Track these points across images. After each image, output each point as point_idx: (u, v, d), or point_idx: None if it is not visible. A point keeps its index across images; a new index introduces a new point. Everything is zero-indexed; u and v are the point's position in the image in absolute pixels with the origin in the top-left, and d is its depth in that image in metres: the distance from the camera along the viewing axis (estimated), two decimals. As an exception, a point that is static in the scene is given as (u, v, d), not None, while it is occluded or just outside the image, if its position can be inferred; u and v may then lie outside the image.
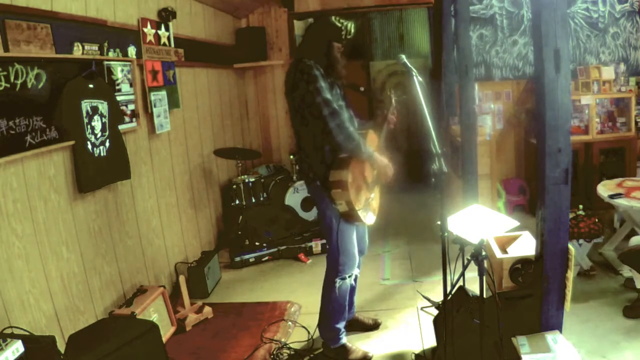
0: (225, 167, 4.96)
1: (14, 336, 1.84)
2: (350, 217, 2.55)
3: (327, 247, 2.72)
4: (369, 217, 2.66)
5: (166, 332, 3.03)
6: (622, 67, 5.01)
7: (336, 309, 2.73)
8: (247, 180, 4.45)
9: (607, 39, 5.10)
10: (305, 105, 2.47)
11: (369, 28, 7.34)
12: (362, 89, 2.84)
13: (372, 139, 2.76)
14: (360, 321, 3.07)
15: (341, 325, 2.77)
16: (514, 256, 2.38)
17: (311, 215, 4.74)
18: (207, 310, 3.35)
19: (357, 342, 2.92)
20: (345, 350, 2.77)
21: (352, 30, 2.64)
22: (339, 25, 2.59)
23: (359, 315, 3.10)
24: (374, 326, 3.07)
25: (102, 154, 2.79)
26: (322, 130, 2.45)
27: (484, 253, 1.96)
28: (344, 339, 2.79)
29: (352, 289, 2.93)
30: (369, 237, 2.99)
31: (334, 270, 2.68)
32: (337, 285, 2.68)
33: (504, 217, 2.12)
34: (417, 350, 2.79)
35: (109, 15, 2.98)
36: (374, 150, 2.62)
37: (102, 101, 2.79)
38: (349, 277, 2.71)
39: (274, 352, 2.86)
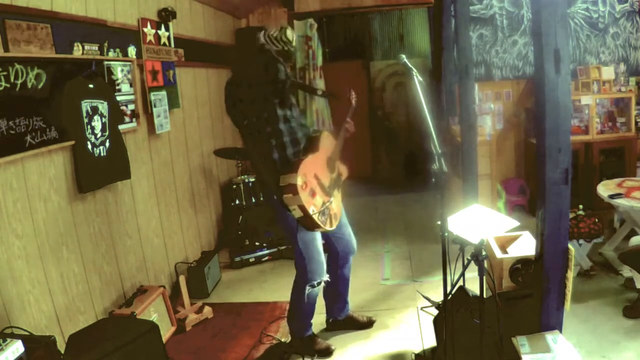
0: (225, 167, 4.96)
1: (14, 336, 1.85)
2: (306, 223, 2.48)
3: (294, 255, 2.68)
4: (328, 222, 2.56)
5: (166, 332, 3.03)
6: (622, 67, 5.01)
7: (305, 313, 2.78)
8: (247, 180, 4.46)
9: (607, 39, 5.10)
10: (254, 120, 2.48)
11: (369, 28, 7.35)
12: (319, 92, 2.82)
13: (328, 139, 2.70)
14: (355, 319, 3.11)
15: (308, 321, 2.85)
16: (514, 256, 2.38)
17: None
18: (207, 310, 3.35)
19: (357, 342, 2.94)
20: (311, 341, 2.84)
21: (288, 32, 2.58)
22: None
23: (353, 313, 3.14)
24: (368, 324, 3.10)
25: (102, 154, 2.79)
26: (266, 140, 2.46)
27: (484, 253, 1.96)
28: (310, 331, 2.87)
29: (345, 287, 2.99)
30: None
31: (303, 277, 2.67)
32: (307, 292, 2.69)
33: (504, 217, 2.12)
34: (417, 350, 2.79)
35: (109, 15, 2.98)
36: (325, 154, 2.60)
37: (102, 101, 2.79)
38: (318, 283, 2.70)
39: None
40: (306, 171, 2.46)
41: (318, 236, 2.67)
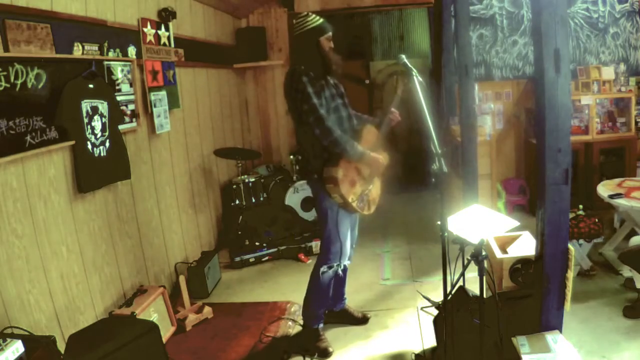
0: (225, 167, 4.96)
1: (14, 336, 1.85)
2: (346, 208, 2.71)
3: (321, 236, 2.82)
4: (366, 207, 2.79)
5: (166, 332, 3.03)
6: (622, 67, 5.01)
7: (318, 294, 2.86)
8: (247, 180, 4.46)
9: (607, 39, 5.10)
10: (296, 109, 2.63)
11: (369, 28, 7.35)
12: (367, 81, 2.96)
13: (370, 133, 2.84)
14: (350, 313, 3.16)
15: (320, 311, 2.90)
16: (514, 256, 2.38)
17: (311, 215, 4.74)
18: (207, 310, 3.35)
19: (357, 342, 2.94)
20: (317, 335, 2.90)
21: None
22: (319, 20, 2.71)
23: (349, 308, 3.18)
24: (363, 320, 3.15)
25: (102, 154, 2.79)
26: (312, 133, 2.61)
27: (484, 253, 1.96)
28: (320, 324, 2.93)
29: (342, 280, 3.07)
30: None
31: (324, 257, 2.80)
32: (322, 271, 2.80)
33: (504, 217, 2.12)
34: (417, 350, 2.79)
35: (109, 15, 2.98)
36: (368, 147, 2.73)
37: (102, 101, 2.79)
38: (336, 266, 2.82)
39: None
40: (346, 164, 2.66)
41: (348, 224, 2.82)
